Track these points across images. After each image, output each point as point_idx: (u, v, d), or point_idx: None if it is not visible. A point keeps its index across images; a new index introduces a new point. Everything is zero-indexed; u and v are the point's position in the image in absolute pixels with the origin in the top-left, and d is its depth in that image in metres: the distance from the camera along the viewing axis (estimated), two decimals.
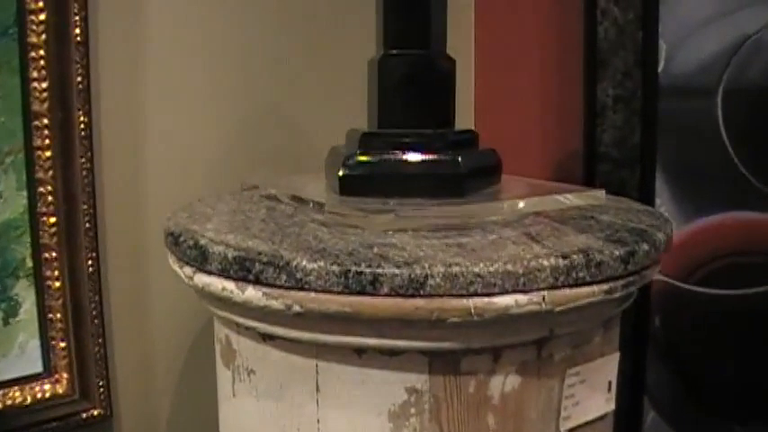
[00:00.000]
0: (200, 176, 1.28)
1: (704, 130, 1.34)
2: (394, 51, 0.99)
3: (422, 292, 0.72)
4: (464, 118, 1.39)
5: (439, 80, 0.99)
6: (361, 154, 0.95)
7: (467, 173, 0.93)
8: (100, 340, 1.22)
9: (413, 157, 0.94)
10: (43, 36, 1.11)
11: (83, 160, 1.18)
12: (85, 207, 1.19)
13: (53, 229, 1.16)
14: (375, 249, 0.79)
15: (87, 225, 1.20)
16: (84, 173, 1.18)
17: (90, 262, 1.20)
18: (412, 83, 0.98)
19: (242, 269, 0.78)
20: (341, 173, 0.94)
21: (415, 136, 0.96)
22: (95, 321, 1.21)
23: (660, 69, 1.33)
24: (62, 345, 1.18)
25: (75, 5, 1.13)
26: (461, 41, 1.51)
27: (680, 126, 1.35)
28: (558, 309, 0.75)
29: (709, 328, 1.39)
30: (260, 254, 0.78)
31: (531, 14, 1.45)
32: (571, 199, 0.95)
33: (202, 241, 0.84)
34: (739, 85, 1.31)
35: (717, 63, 1.32)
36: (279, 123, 1.36)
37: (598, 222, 0.93)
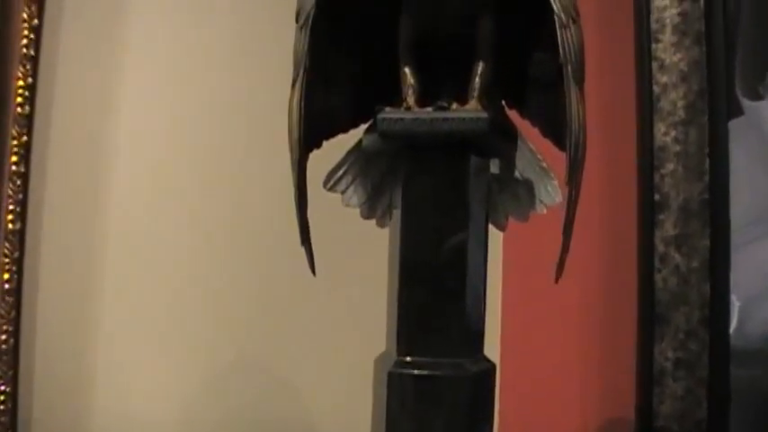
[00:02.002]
0: None
1: None
2: (408, 359, 0.72)
3: None
4: None
5: (474, 399, 0.72)
6: None
7: None
8: None
9: None
10: None
11: None
12: None
13: None
14: None
15: None
16: None
17: None
18: (436, 402, 0.71)
19: None
20: None
21: None
22: None
23: (732, 329, 1.07)
24: None
25: None
26: None
27: (756, 399, 1.07)
28: None
29: None
30: None
31: (576, 263, 1.18)
32: None
33: None
34: None
35: None
36: (260, 385, 1.08)
37: None
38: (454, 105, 0.76)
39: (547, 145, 0.82)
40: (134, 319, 1.09)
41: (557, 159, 0.80)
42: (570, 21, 0.70)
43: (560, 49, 0.69)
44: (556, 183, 0.82)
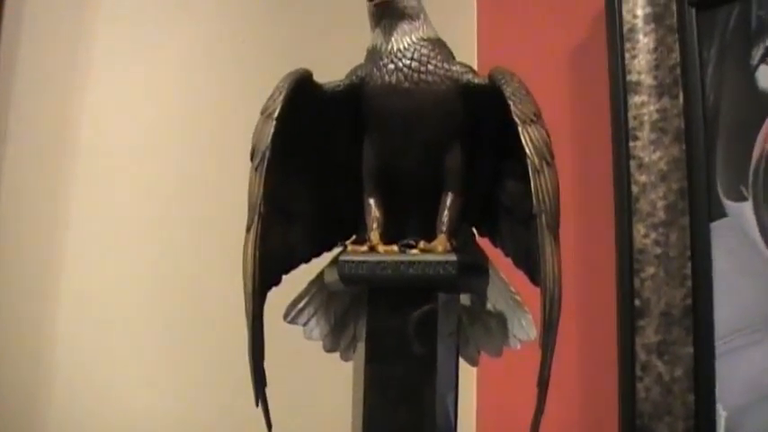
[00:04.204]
0: None
1: None
2: None
3: None
4: None
5: None
6: None
7: None
8: None
9: None
10: None
11: None
12: None
13: None
14: None
15: None
16: None
17: None
18: None
19: None
20: None
21: None
22: None
23: None
24: None
25: None
26: None
27: None
28: None
29: None
30: None
31: (554, 373, 1.16)
32: None
33: None
34: None
35: None
36: None
37: None
38: (421, 243, 0.73)
39: (520, 275, 0.79)
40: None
41: (532, 292, 0.77)
42: (544, 164, 0.67)
43: (533, 198, 0.66)
44: (530, 317, 0.79)
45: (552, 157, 0.68)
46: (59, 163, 1.08)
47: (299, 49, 1.21)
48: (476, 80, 0.74)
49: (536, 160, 0.67)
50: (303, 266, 0.81)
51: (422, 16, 0.75)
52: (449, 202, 0.75)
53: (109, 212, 1.10)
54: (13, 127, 1.03)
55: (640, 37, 1.13)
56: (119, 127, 1.11)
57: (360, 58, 0.79)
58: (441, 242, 0.73)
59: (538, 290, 0.73)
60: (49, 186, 1.07)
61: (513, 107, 0.68)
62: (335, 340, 0.82)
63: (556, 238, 0.67)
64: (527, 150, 0.67)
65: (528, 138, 0.67)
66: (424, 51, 0.73)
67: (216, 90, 1.19)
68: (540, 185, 0.67)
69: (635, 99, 1.11)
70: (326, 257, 0.81)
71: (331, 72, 0.79)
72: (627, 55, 1.12)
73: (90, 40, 1.11)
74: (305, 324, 0.82)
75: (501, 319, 0.80)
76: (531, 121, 0.68)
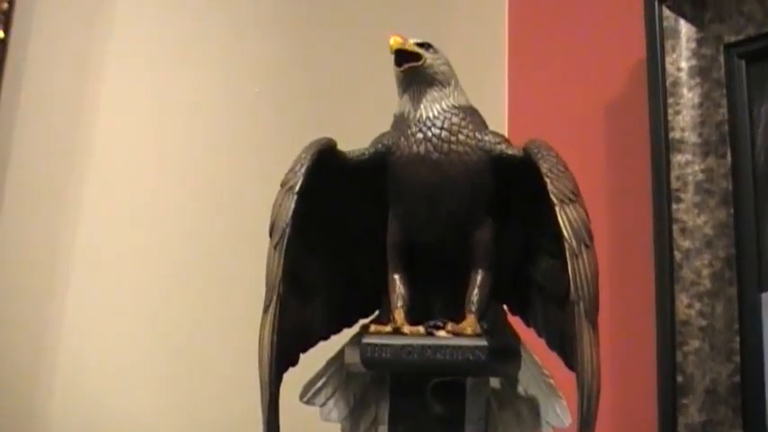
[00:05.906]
0: None
1: None
2: None
3: None
4: None
5: None
6: None
7: None
8: None
9: None
10: None
11: None
12: None
13: None
14: None
15: None
16: None
17: None
18: None
19: None
20: None
21: None
22: None
23: None
24: None
25: None
26: None
27: None
28: None
29: None
30: None
31: None
32: None
33: None
34: None
35: None
36: None
37: None
38: (449, 325, 0.72)
39: (555, 356, 0.78)
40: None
41: (567, 375, 0.76)
42: (582, 247, 0.66)
43: (571, 284, 0.65)
44: (564, 403, 0.78)
45: (591, 238, 0.67)
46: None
47: (317, 106, 1.21)
48: (509, 151, 0.73)
49: (574, 243, 0.66)
50: (321, 343, 0.81)
51: (452, 82, 0.75)
52: (479, 279, 0.74)
53: (115, 246, 1.12)
54: (12, 185, 1.04)
55: (684, 91, 1.12)
56: (125, 184, 1.12)
57: (386, 119, 0.79)
58: (470, 324, 0.72)
59: (573, 373, 0.72)
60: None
61: (549, 185, 0.68)
62: (355, 423, 0.81)
63: (594, 326, 0.66)
64: (564, 233, 0.66)
65: (565, 219, 0.67)
66: (455, 120, 0.73)
67: (229, 147, 1.20)
68: (579, 271, 0.66)
69: (678, 158, 1.10)
70: (346, 333, 0.80)
71: (353, 135, 0.79)
72: (670, 110, 1.12)
73: (97, 88, 1.13)
74: (322, 405, 0.81)
75: (533, 405, 0.79)
76: (570, 200, 0.67)
